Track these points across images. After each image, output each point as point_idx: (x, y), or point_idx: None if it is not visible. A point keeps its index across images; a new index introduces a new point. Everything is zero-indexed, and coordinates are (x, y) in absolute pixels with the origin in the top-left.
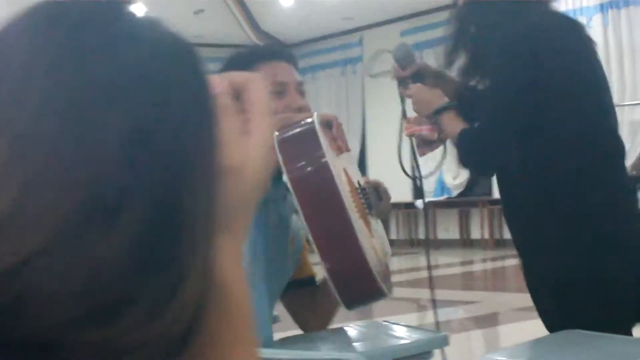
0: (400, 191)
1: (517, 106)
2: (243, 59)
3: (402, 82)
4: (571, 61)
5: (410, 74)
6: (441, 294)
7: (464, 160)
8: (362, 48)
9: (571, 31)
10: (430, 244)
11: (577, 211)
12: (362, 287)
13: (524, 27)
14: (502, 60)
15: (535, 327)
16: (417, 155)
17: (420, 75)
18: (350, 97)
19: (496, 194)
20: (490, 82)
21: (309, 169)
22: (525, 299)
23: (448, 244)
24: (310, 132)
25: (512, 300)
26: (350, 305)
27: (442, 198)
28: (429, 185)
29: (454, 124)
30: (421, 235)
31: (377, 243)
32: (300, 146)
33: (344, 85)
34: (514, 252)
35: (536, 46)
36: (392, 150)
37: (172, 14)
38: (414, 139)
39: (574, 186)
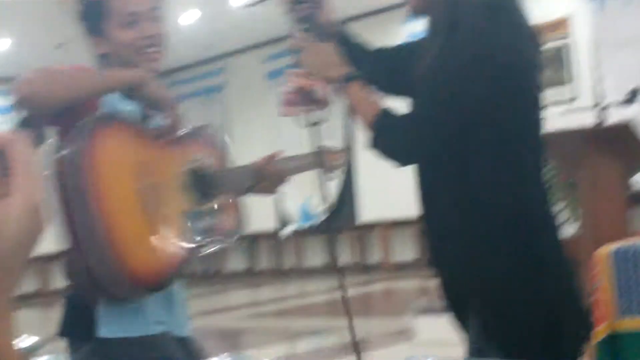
0: (265, 221)
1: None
2: None
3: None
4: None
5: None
6: (310, 322)
7: (384, 146)
8: (225, 76)
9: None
10: (298, 272)
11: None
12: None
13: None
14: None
15: (405, 351)
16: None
17: (315, 25)
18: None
19: (362, 218)
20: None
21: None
22: (393, 324)
23: (315, 271)
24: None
25: (381, 325)
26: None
27: (307, 225)
28: (293, 213)
29: (367, 100)
30: (287, 264)
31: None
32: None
33: (208, 114)
34: (381, 276)
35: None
36: None
37: (34, 47)
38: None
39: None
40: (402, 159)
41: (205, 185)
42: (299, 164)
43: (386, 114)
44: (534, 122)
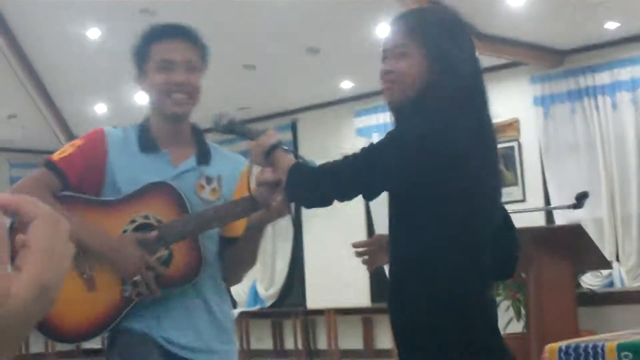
0: None
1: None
2: (145, 37)
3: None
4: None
5: (222, 129)
6: None
7: (290, 190)
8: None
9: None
10: (244, 354)
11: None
12: None
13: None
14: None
15: None
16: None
17: (231, 128)
18: None
19: (309, 304)
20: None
21: None
22: None
23: (262, 355)
24: None
25: None
26: None
27: (255, 308)
28: (241, 295)
29: (284, 160)
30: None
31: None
32: None
33: None
34: None
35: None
36: None
37: None
38: (260, 192)
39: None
40: (303, 201)
41: (147, 240)
42: (241, 209)
43: (299, 165)
44: (467, 199)
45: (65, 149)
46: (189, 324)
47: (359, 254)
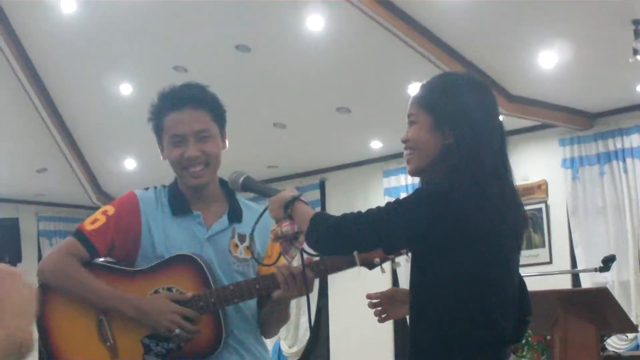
0: None
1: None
2: (156, 110)
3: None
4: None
5: (241, 187)
6: None
7: (310, 238)
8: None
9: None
10: None
11: None
12: None
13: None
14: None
15: None
16: (289, 261)
17: (248, 187)
18: None
19: None
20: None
21: None
22: None
23: None
24: None
25: None
26: None
27: None
28: None
29: (305, 210)
30: None
31: None
32: None
33: None
34: None
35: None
36: None
37: (15, 171)
38: (282, 248)
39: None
40: (324, 248)
41: (181, 300)
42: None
43: (321, 213)
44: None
45: (98, 218)
46: None
47: (372, 305)
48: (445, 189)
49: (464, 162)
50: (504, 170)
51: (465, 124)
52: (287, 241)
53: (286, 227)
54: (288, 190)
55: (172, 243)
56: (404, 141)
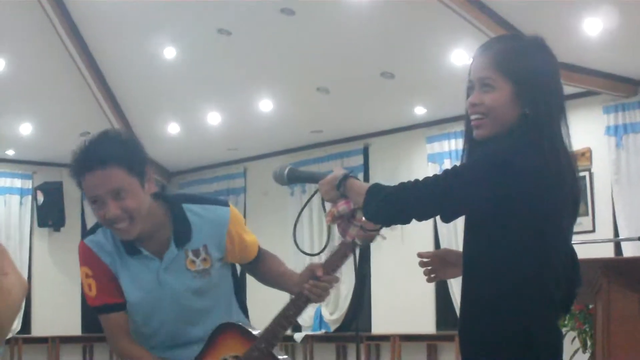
0: None
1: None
2: (72, 173)
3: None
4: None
5: (287, 181)
6: None
7: (374, 202)
8: (245, 179)
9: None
10: None
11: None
12: None
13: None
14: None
15: None
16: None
17: (294, 177)
18: None
19: (375, 329)
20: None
21: None
22: None
23: None
24: None
25: None
26: None
27: (320, 332)
28: (306, 320)
29: (358, 184)
30: None
31: None
32: None
33: None
34: None
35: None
36: None
37: (59, 135)
38: (336, 226)
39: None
40: (383, 218)
41: None
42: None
43: (377, 184)
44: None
45: (89, 283)
46: None
47: (422, 264)
48: (510, 158)
49: (537, 132)
50: (566, 137)
51: (543, 96)
52: (345, 221)
53: (342, 206)
54: (337, 170)
55: (135, 280)
56: (475, 105)
